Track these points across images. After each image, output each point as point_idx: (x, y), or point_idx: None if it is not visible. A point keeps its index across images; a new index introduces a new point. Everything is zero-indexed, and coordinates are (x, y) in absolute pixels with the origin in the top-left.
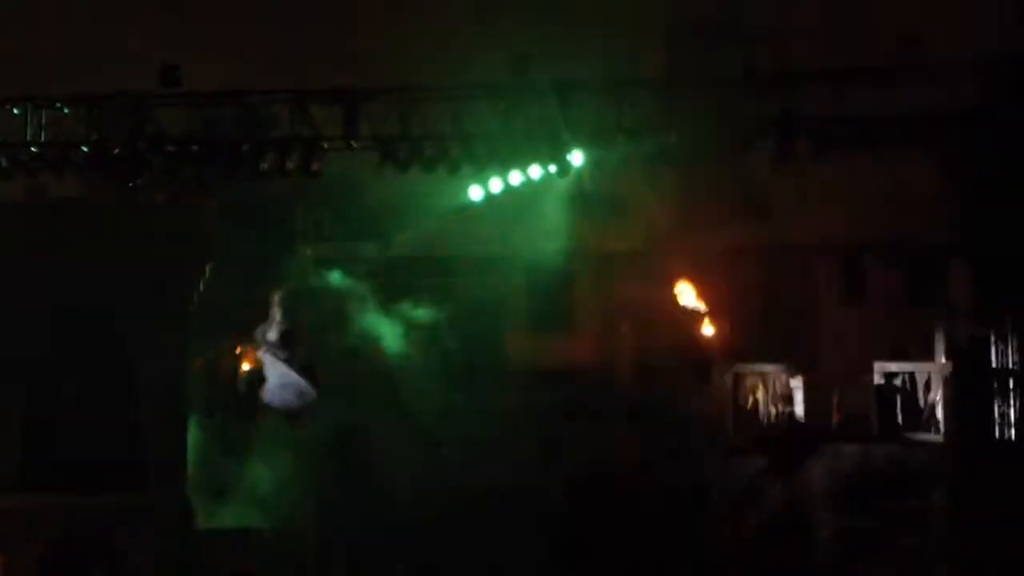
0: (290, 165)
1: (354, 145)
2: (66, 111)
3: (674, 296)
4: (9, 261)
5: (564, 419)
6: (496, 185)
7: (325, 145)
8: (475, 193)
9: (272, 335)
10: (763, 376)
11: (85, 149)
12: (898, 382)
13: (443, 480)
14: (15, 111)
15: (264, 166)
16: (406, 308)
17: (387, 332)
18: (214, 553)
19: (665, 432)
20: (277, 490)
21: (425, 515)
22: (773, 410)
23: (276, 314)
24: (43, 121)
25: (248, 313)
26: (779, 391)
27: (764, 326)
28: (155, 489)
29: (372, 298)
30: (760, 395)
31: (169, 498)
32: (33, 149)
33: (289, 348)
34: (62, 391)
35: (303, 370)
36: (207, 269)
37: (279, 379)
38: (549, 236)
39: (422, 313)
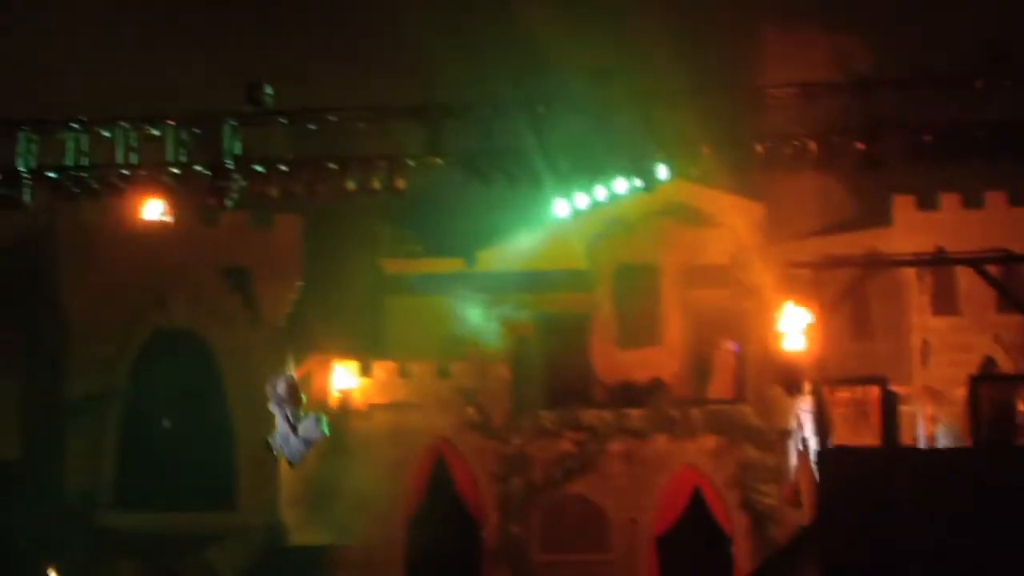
0: (375, 183)
1: (438, 161)
2: (154, 132)
3: (766, 310)
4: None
5: (654, 433)
6: (582, 200)
7: (410, 162)
8: (561, 209)
9: (281, 388)
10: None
11: (174, 170)
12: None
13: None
14: (104, 132)
15: (350, 184)
16: (505, 310)
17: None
18: (304, 569)
19: (764, 450)
20: (368, 506)
21: (512, 531)
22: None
23: (289, 367)
24: (131, 142)
25: (333, 330)
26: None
27: (855, 340)
28: (246, 507)
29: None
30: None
31: (260, 516)
32: (123, 171)
33: (295, 402)
34: (156, 412)
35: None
36: (296, 288)
37: (280, 435)
38: (636, 250)
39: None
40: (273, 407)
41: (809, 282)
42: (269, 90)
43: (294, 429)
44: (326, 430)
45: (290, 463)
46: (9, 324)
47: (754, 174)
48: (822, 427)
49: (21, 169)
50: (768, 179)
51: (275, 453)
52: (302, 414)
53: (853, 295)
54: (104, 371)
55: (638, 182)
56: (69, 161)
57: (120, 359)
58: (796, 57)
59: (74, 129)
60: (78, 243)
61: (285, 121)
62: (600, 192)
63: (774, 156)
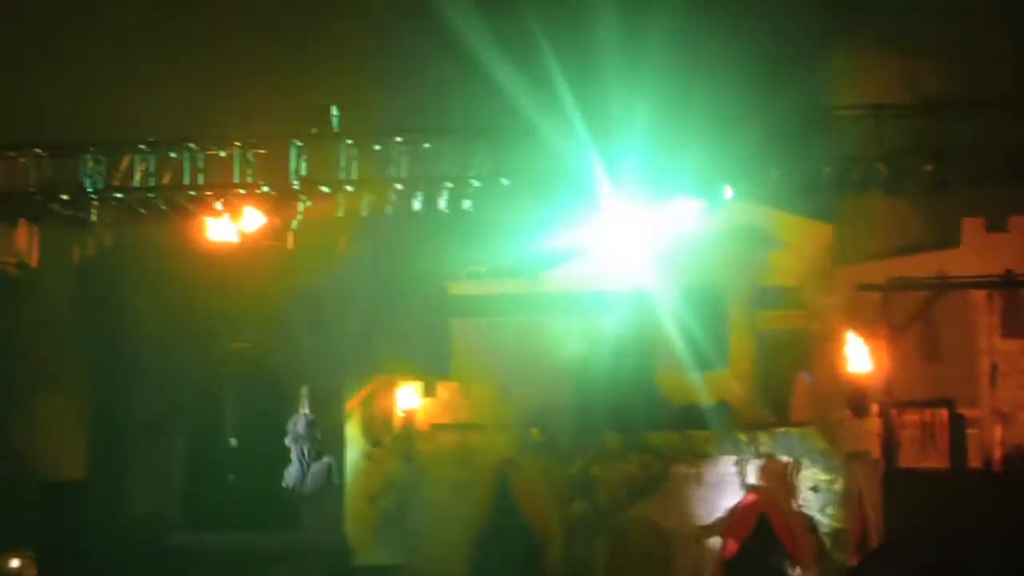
0: (441, 203)
1: (504, 182)
2: (221, 153)
3: (833, 333)
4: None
5: (720, 455)
6: (648, 221)
7: (475, 183)
8: (628, 229)
9: (300, 425)
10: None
11: (241, 191)
12: None
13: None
14: (172, 155)
15: (416, 204)
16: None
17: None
18: None
19: (832, 472)
20: (432, 527)
21: (577, 554)
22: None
23: (304, 405)
24: (198, 164)
25: (398, 350)
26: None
27: (923, 362)
28: (311, 527)
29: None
30: None
31: (325, 536)
32: (191, 192)
33: (312, 439)
34: (224, 431)
35: (319, 459)
36: (361, 308)
37: (293, 470)
38: (702, 271)
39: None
40: (290, 443)
41: (877, 304)
42: (335, 112)
43: (306, 467)
44: (334, 479)
45: (298, 497)
46: (76, 344)
47: (822, 196)
48: (890, 449)
49: (89, 190)
50: (837, 201)
51: (284, 486)
52: (315, 455)
53: (921, 317)
54: (171, 390)
55: (705, 203)
56: (136, 182)
57: (187, 379)
58: (865, 79)
59: (141, 151)
60: (146, 263)
61: (351, 142)
62: (667, 213)
63: (843, 178)
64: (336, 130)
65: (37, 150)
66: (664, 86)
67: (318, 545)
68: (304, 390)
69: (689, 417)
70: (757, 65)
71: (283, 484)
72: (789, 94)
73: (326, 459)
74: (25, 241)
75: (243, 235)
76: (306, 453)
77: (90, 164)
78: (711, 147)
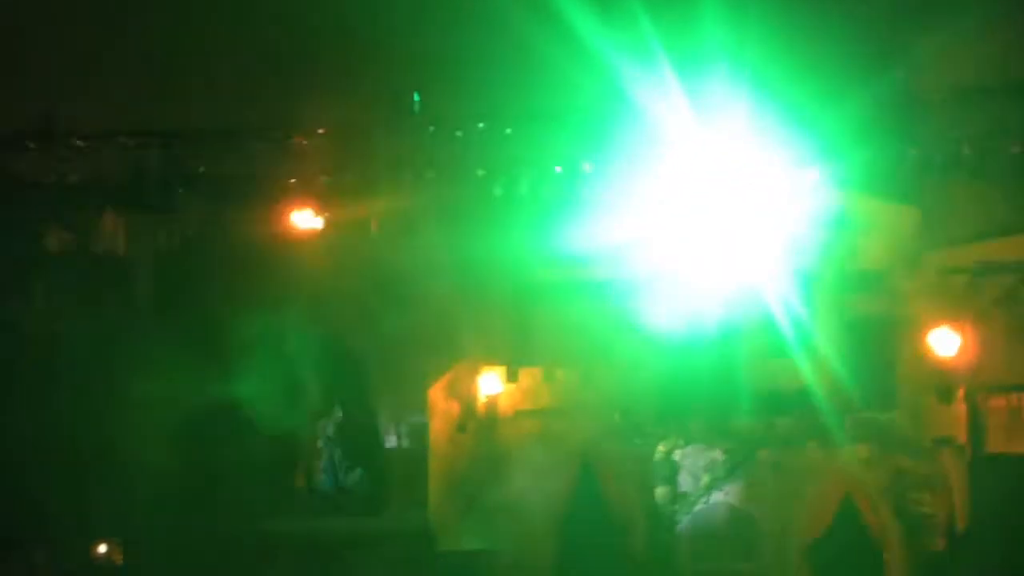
0: (523, 189)
1: (585, 167)
2: (304, 141)
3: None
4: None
5: (804, 441)
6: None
7: (557, 168)
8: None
9: (330, 429)
10: None
11: (325, 178)
12: None
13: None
14: (255, 142)
15: (497, 190)
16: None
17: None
18: (452, 575)
19: (918, 458)
20: (516, 512)
21: (660, 539)
22: None
23: (338, 410)
24: (282, 151)
25: (480, 336)
26: None
27: (1010, 346)
28: (395, 512)
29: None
30: None
31: (409, 521)
32: (275, 180)
33: (343, 443)
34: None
35: (348, 467)
36: (444, 294)
37: (324, 469)
38: (789, 255)
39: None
40: (322, 444)
41: (964, 288)
42: (416, 98)
43: (334, 469)
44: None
45: (323, 496)
46: (161, 331)
47: (908, 179)
48: (976, 435)
49: (173, 178)
50: (922, 184)
51: (312, 485)
52: (345, 468)
53: (1009, 301)
54: (256, 377)
55: (793, 186)
56: (221, 170)
57: (272, 365)
58: (951, 60)
59: (226, 138)
60: (230, 251)
61: (433, 128)
62: (759, 196)
63: (928, 161)
64: (417, 116)
65: (122, 138)
66: (749, 69)
67: (399, 531)
68: (336, 400)
69: (774, 403)
70: (844, 48)
71: (312, 486)
72: (876, 77)
73: (358, 471)
74: (112, 229)
75: (326, 222)
76: (336, 461)
77: (176, 152)
78: (796, 131)
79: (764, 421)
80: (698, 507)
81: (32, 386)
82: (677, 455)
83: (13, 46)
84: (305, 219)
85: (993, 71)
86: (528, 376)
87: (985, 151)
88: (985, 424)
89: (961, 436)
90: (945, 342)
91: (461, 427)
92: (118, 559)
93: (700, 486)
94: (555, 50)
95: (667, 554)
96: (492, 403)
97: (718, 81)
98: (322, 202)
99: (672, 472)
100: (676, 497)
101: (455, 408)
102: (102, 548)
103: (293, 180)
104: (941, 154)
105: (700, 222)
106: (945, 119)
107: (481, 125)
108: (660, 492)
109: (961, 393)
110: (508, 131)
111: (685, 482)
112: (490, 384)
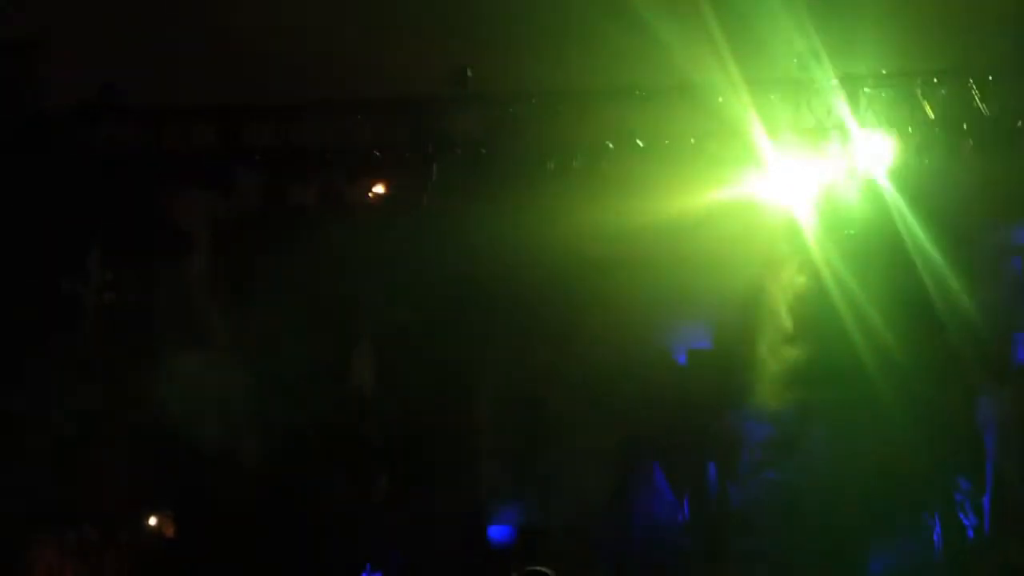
0: (576, 166)
1: (639, 144)
2: (359, 116)
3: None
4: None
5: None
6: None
7: (609, 145)
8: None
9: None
10: None
11: (377, 153)
12: None
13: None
14: (309, 116)
15: (550, 166)
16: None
17: None
18: (504, 550)
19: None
20: (567, 488)
21: (710, 515)
22: None
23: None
24: (337, 124)
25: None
26: None
27: None
28: (443, 489)
29: None
30: None
31: (457, 498)
32: (330, 154)
33: None
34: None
35: None
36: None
37: None
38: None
39: None
40: None
41: (1019, 266)
42: (469, 73)
43: None
44: None
45: None
46: (223, 308)
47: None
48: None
49: (232, 151)
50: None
51: None
52: None
53: None
54: (317, 346)
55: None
56: (276, 144)
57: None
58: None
59: (280, 112)
60: (288, 226)
61: (486, 104)
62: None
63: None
64: (471, 91)
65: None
66: (802, 47)
67: (449, 508)
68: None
69: (828, 379)
70: (895, 26)
71: None
72: (926, 56)
73: None
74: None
75: (378, 197)
76: None
77: (233, 125)
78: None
79: (818, 397)
80: (750, 483)
81: (85, 360)
82: (733, 430)
83: (71, 18)
84: (360, 194)
85: None
86: None
87: None
88: None
89: (1013, 415)
90: (996, 320)
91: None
92: (169, 531)
93: (752, 462)
94: (606, 23)
95: (717, 530)
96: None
97: (765, 62)
98: (376, 178)
99: (728, 447)
100: (728, 470)
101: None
102: (153, 521)
103: (349, 155)
104: (1001, 127)
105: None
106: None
107: (535, 101)
108: (710, 468)
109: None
110: (561, 108)
111: (736, 455)
112: None
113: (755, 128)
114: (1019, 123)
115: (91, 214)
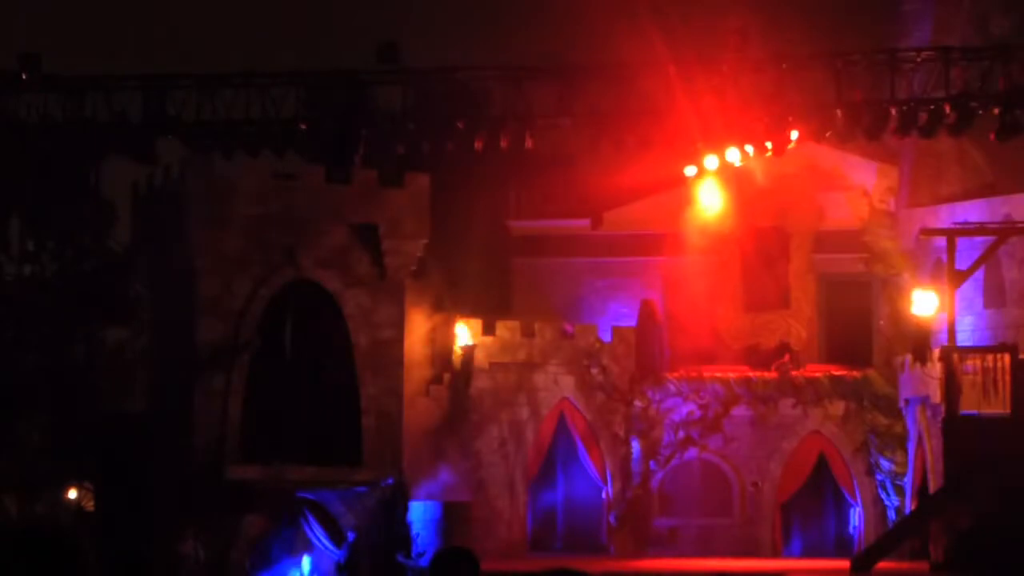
0: (504, 142)
1: (568, 121)
2: (285, 89)
3: (897, 276)
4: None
5: (780, 398)
6: (712, 162)
7: (539, 121)
8: (691, 170)
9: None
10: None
11: (304, 126)
12: None
13: (655, 460)
14: (235, 89)
15: (478, 144)
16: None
17: None
18: (425, 526)
19: (892, 417)
20: (490, 465)
21: (634, 494)
22: None
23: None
24: (261, 99)
25: (458, 288)
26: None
27: (987, 307)
28: (370, 462)
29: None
30: None
31: (383, 471)
32: (253, 127)
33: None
34: (284, 366)
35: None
36: (421, 246)
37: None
38: (765, 212)
39: None
40: None
41: (942, 248)
42: (399, 49)
43: None
44: None
45: None
46: (138, 277)
47: (889, 138)
48: (951, 395)
49: (153, 124)
50: (903, 144)
51: None
52: None
53: (986, 262)
54: (233, 325)
55: (769, 144)
56: (200, 116)
57: (248, 313)
58: (934, 20)
59: (206, 85)
60: (209, 197)
61: (413, 79)
62: (731, 154)
63: (909, 120)
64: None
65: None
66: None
67: (376, 480)
68: None
69: (749, 359)
70: (825, 5)
71: None
72: (857, 35)
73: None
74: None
75: (305, 170)
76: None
77: (154, 98)
78: (777, 88)
79: (740, 377)
80: (673, 462)
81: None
82: (652, 410)
83: None
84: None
85: (976, 32)
86: (506, 329)
87: (966, 112)
88: (960, 384)
89: (936, 396)
90: (922, 302)
91: (436, 379)
92: (88, 505)
93: (675, 441)
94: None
95: (641, 508)
96: (468, 355)
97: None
98: (302, 151)
99: (647, 427)
100: (651, 452)
101: (431, 360)
102: (72, 493)
103: (273, 128)
104: (922, 113)
105: (678, 179)
106: (927, 79)
107: (463, 77)
108: (635, 446)
109: (937, 353)
110: (491, 84)
111: (660, 437)
112: (467, 336)
113: (683, 106)
114: None
115: (11, 183)
